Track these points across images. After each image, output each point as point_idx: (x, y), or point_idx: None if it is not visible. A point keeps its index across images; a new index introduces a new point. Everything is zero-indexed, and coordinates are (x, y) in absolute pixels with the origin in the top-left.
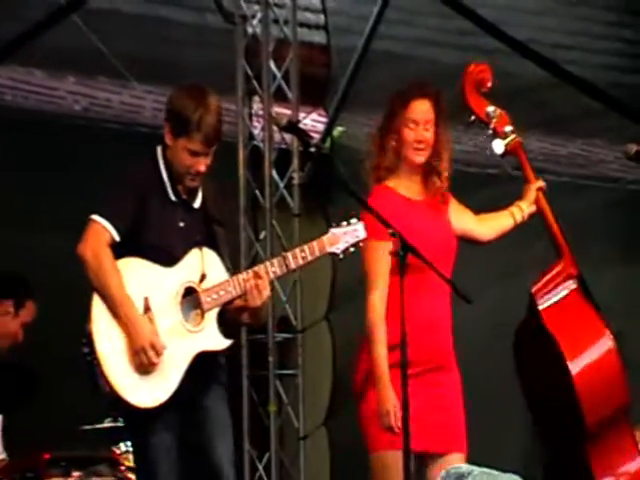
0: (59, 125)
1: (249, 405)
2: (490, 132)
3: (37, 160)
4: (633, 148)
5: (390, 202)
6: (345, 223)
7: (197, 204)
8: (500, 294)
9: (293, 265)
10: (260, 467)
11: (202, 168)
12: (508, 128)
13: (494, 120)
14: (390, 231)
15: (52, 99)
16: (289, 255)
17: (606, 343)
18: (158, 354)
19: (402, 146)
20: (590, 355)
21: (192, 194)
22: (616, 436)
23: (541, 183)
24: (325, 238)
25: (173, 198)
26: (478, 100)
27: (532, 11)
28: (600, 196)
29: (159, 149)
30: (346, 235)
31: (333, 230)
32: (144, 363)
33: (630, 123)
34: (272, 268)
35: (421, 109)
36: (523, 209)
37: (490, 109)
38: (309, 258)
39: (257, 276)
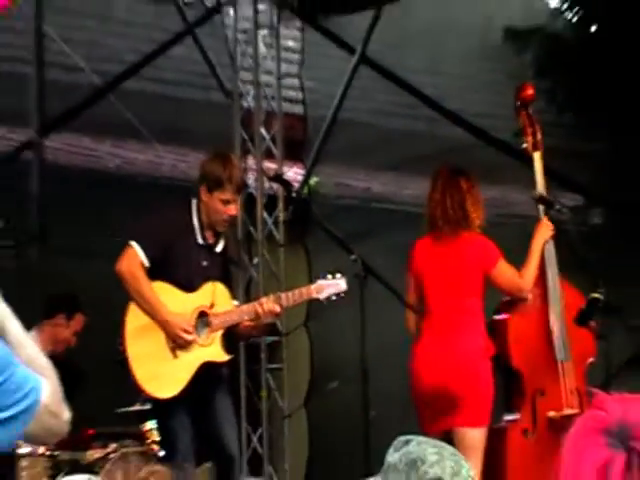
0: (98, 178)
1: (246, 393)
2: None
3: (84, 205)
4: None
5: None
6: (330, 276)
7: (219, 249)
8: None
9: (284, 304)
10: (254, 439)
11: (234, 212)
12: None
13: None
14: (352, 257)
15: (93, 159)
16: (283, 296)
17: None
18: (190, 333)
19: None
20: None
21: (216, 241)
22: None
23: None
24: (313, 287)
25: (200, 242)
26: (519, 112)
27: (464, 88)
28: (513, 231)
29: (194, 202)
30: (330, 287)
31: (320, 281)
32: (183, 345)
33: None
34: (268, 304)
35: None
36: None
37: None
38: (298, 301)
39: (259, 311)
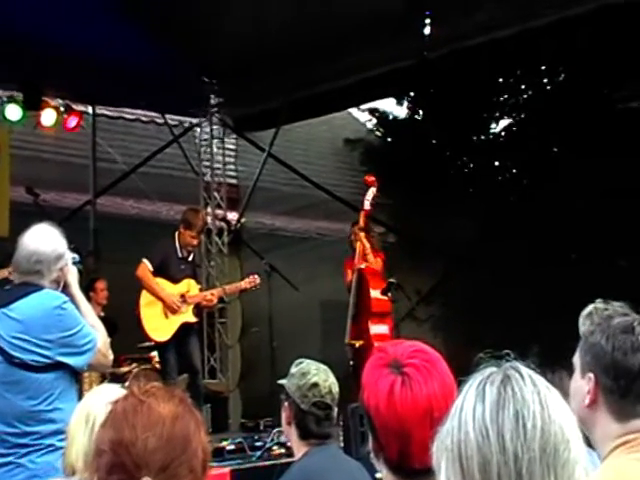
0: (124, 220)
1: (206, 334)
2: None
3: (118, 236)
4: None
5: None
6: (252, 276)
7: (190, 258)
8: (327, 282)
9: (228, 292)
10: (212, 360)
11: (196, 243)
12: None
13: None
14: (264, 261)
15: (123, 210)
16: (227, 288)
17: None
18: (177, 305)
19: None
20: None
21: (189, 254)
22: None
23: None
24: (242, 283)
25: (180, 255)
26: (367, 187)
27: (322, 171)
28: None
29: (176, 233)
30: (251, 282)
31: (246, 279)
32: (173, 311)
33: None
34: (218, 291)
35: None
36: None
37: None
38: (235, 291)
39: (212, 295)
